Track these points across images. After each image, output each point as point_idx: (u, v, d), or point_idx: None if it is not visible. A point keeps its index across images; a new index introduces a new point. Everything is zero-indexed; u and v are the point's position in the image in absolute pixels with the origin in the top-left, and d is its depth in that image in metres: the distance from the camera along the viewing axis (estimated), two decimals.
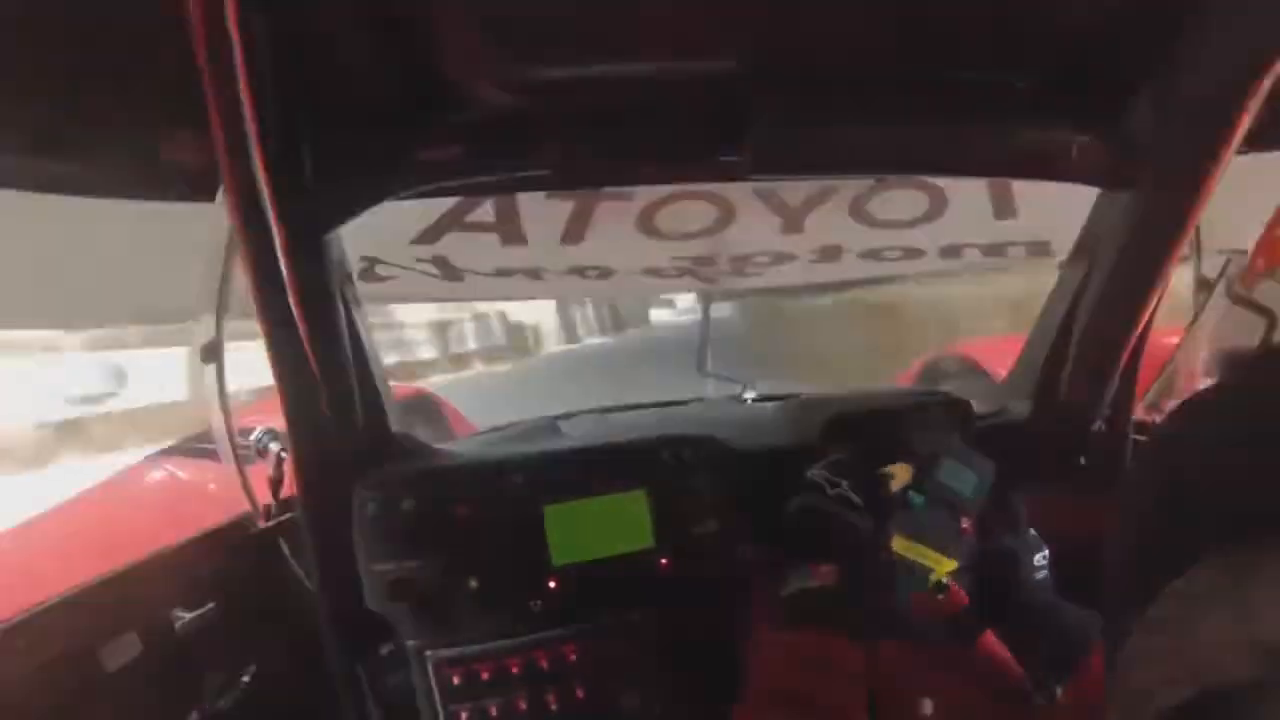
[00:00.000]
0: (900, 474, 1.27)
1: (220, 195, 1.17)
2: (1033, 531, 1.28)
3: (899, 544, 1.23)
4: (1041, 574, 1.23)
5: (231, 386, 1.45)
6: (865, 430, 1.60)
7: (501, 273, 2.01)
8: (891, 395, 1.74)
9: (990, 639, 1.35)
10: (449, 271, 1.95)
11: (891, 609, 1.28)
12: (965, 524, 1.26)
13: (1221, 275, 0.54)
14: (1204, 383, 0.55)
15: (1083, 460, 1.69)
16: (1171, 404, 0.58)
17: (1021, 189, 1.74)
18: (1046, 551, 1.26)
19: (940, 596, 1.30)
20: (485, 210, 1.66)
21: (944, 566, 1.26)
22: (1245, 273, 0.52)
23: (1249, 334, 0.50)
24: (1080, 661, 1.12)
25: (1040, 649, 1.17)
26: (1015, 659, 1.22)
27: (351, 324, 1.34)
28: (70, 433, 9.77)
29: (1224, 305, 0.52)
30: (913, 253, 2.08)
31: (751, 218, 1.78)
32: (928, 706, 1.23)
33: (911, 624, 1.30)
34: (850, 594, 1.05)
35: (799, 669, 0.96)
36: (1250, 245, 0.48)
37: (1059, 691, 1.17)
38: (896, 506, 1.22)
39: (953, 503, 1.24)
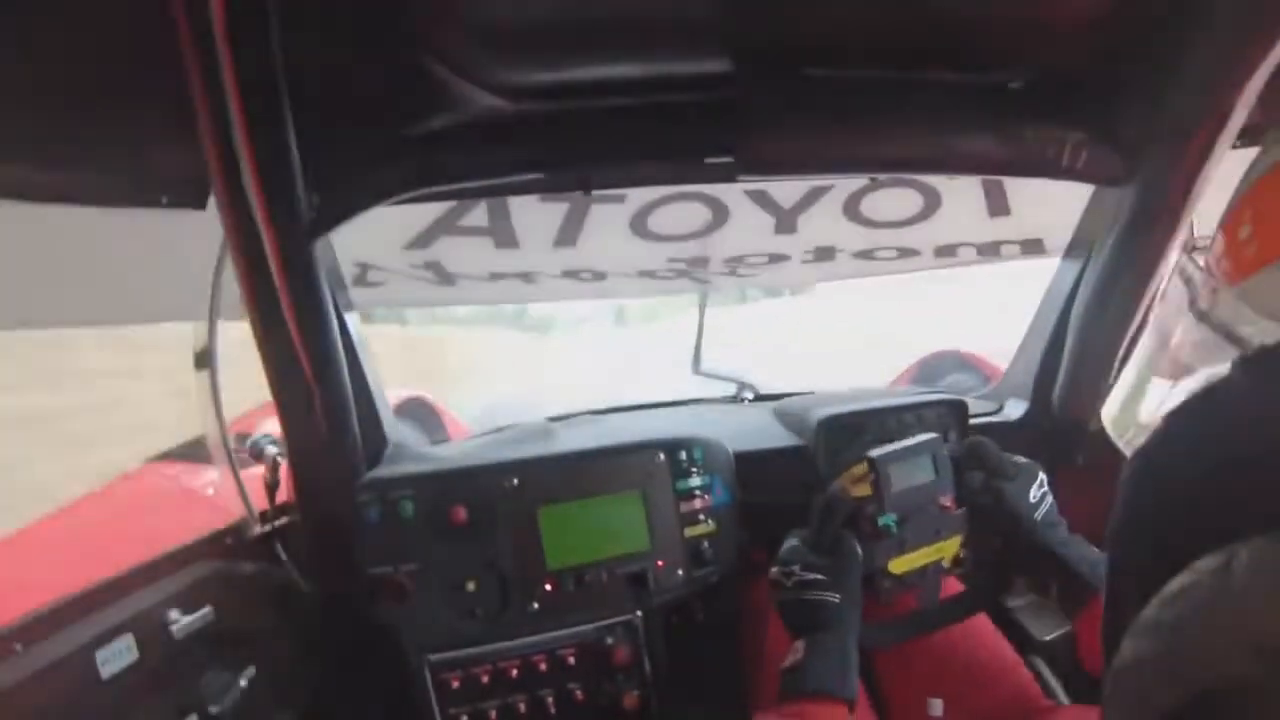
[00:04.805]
0: (860, 488, 1.27)
1: (212, 202, 1.16)
2: (1021, 460, 1.28)
3: (896, 566, 1.24)
4: (1043, 506, 1.22)
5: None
6: (858, 431, 1.60)
7: (495, 277, 2.00)
8: (887, 396, 1.74)
9: (990, 637, 1.36)
10: (442, 276, 1.94)
11: (925, 609, 1.29)
12: (945, 501, 1.26)
13: (1172, 272, 0.53)
14: (1167, 387, 0.55)
15: (1081, 460, 1.69)
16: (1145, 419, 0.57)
17: (1015, 187, 1.74)
18: (1041, 478, 1.25)
19: (959, 571, 1.32)
20: (478, 214, 1.66)
21: (948, 549, 1.26)
22: (1208, 281, 0.51)
23: (1213, 355, 0.48)
24: (1087, 603, 1.13)
25: (1053, 588, 1.17)
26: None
27: (345, 329, 1.34)
28: None
29: (1187, 319, 0.50)
30: (907, 252, 2.09)
31: (745, 219, 1.78)
32: (937, 708, 1.23)
33: (915, 622, 1.31)
34: (823, 660, 1.07)
35: None
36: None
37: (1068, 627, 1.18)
38: (873, 540, 1.23)
39: (922, 498, 1.25)
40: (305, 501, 1.39)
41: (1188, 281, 0.53)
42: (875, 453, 1.26)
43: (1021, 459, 1.28)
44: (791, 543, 1.23)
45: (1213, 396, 0.44)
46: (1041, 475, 1.26)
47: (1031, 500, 1.22)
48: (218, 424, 1.42)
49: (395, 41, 1.07)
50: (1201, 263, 0.52)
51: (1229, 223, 0.51)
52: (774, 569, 1.21)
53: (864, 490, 1.27)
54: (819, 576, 1.15)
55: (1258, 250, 0.47)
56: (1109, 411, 0.62)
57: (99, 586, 1.15)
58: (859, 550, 1.19)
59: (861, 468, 1.27)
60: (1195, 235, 1.43)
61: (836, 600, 1.13)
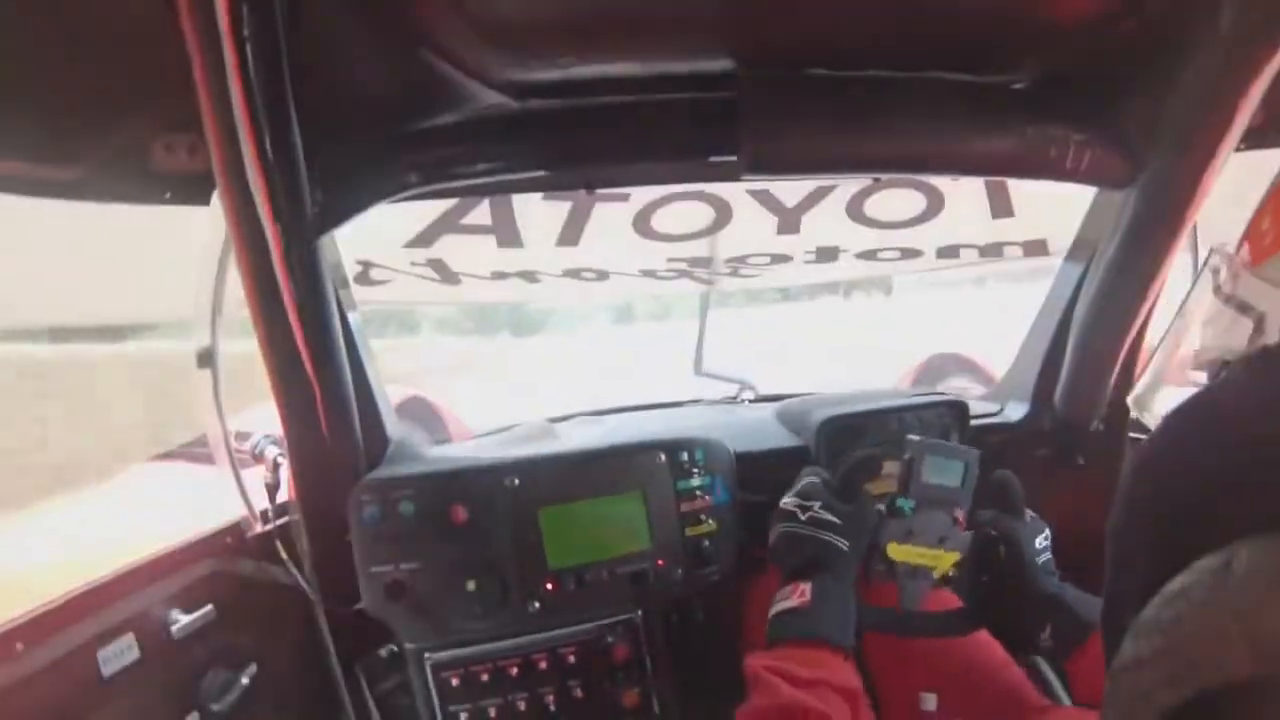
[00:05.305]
0: (882, 485, 1.28)
1: (215, 199, 1.16)
2: (1031, 514, 1.28)
3: (894, 551, 1.24)
4: (1045, 556, 1.23)
5: None
6: (859, 431, 1.60)
7: (497, 275, 2.01)
8: (888, 397, 1.74)
9: (985, 636, 1.35)
10: (445, 274, 1.94)
11: (903, 609, 1.29)
12: (959, 515, 1.27)
13: (1204, 267, 0.57)
14: (1194, 377, 0.58)
15: (1081, 460, 1.69)
16: (1164, 402, 0.60)
17: (1018, 188, 1.74)
18: (1048, 532, 1.26)
19: (948, 589, 1.31)
20: (481, 212, 1.66)
21: (944, 561, 1.26)
22: (1230, 268, 0.55)
23: (1235, 333, 0.53)
24: (1084, 642, 1.12)
25: (1045, 630, 1.17)
26: (1019, 640, 1.23)
27: (347, 328, 1.34)
28: None
29: (1209, 302, 0.55)
30: (910, 253, 2.09)
31: (748, 219, 1.78)
32: (930, 702, 1.22)
33: (910, 621, 1.31)
34: (830, 606, 1.06)
35: (790, 686, 0.97)
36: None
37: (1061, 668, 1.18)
38: (887, 515, 1.23)
39: (942, 499, 1.25)
40: (306, 501, 1.39)
41: (1214, 272, 0.57)
42: (915, 437, 1.26)
43: (1032, 513, 1.29)
44: (812, 480, 1.22)
45: (1213, 396, 0.45)
46: (1047, 530, 1.26)
47: (1036, 547, 1.23)
48: (219, 423, 1.42)
49: (400, 39, 1.07)
50: (1227, 254, 0.56)
51: (1254, 220, 0.54)
52: (790, 498, 1.20)
53: (886, 487, 1.27)
54: (835, 520, 1.14)
55: (1276, 237, 0.51)
56: (1135, 392, 0.65)
57: (100, 585, 1.15)
58: (873, 513, 1.19)
59: (895, 465, 1.27)
60: (1196, 244, 1.44)
61: (845, 548, 1.12)
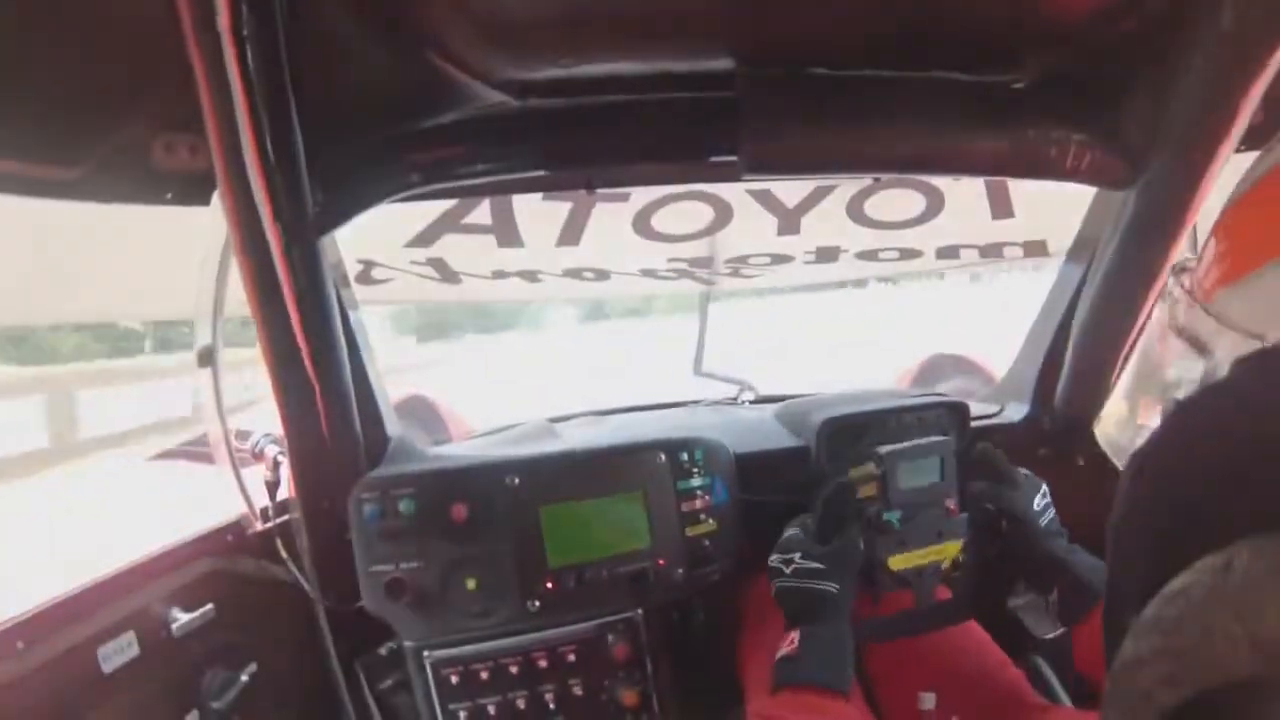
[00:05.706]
0: (871, 489, 1.28)
1: (216, 199, 1.16)
2: (1024, 471, 1.28)
3: (896, 563, 1.25)
4: (1047, 515, 1.23)
5: None
6: (859, 432, 1.60)
7: (498, 275, 2.01)
8: (888, 397, 1.74)
9: (983, 636, 1.36)
10: (446, 274, 1.95)
11: (910, 611, 1.30)
12: (949, 505, 1.27)
13: (1161, 289, 0.55)
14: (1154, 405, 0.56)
15: (1081, 460, 1.69)
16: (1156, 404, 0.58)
17: (1018, 189, 1.74)
18: (1044, 488, 1.26)
19: (956, 573, 1.32)
20: (482, 212, 1.66)
21: (948, 552, 1.27)
22: (1184, 294, 0.52)
23: (1187, 366, 0.50)
24: (1091, 609, 1.14)
25: (1053, 594, 1.18)
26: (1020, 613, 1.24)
27: (348, 327, 1.34)
28: None
29: (1168, 335, 0.52)
30: (910, 253, 2.09)
31: (748, 219, 1.78)
32: (929, 701, 1.23)
33: (908, 622, 1.31)
34: (817, 650, 1.08)
35: None
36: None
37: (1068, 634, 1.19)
38: (877, 533, 1.23)
39: (927, 498, 1.25)
40: (306, 500, 1.39)
41: (1169, 299, 0.54)
42: (884, 449, 1.26)
43: (1025, 471, 1.29)
44: (793, 531, 1.24)
45: (1212, 396, 0.44)
46: (1044, 487, 1.27)
47: (1036, 509, 1.23)
48: (220, 423, 1.42)
49: (401, 38, 1.07)
50: (1186, 282, 0.52)
51: (1210, 241, 0.52)
52: (774, 555, 1.22)
53: (869, 491, 1.27)
54: (818, 565, 1.16)
55: (1229, 267, 0.49)
56: (1103, 429, 0.62)
57: (100, 583, 1.15)
58: (860, 542, 1.19)
59: (869, 467, 1.28)
60: (1196, 244, 1.43)
61: (834, 590, 1.14)
